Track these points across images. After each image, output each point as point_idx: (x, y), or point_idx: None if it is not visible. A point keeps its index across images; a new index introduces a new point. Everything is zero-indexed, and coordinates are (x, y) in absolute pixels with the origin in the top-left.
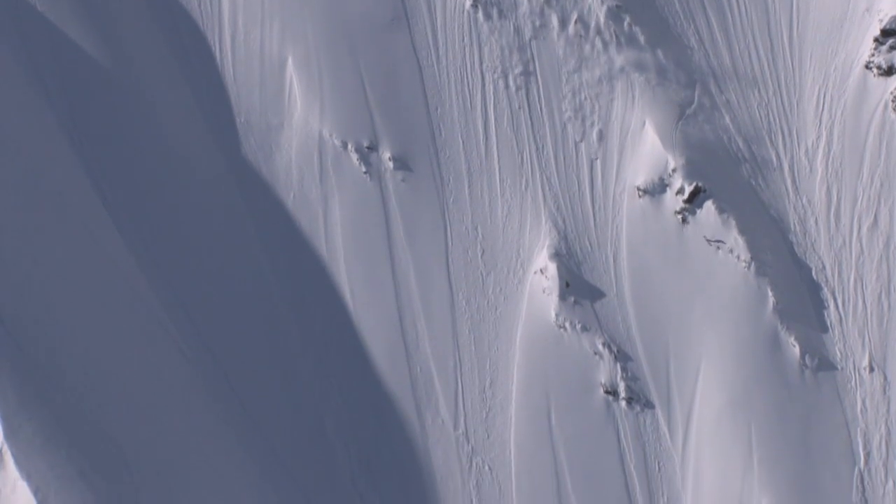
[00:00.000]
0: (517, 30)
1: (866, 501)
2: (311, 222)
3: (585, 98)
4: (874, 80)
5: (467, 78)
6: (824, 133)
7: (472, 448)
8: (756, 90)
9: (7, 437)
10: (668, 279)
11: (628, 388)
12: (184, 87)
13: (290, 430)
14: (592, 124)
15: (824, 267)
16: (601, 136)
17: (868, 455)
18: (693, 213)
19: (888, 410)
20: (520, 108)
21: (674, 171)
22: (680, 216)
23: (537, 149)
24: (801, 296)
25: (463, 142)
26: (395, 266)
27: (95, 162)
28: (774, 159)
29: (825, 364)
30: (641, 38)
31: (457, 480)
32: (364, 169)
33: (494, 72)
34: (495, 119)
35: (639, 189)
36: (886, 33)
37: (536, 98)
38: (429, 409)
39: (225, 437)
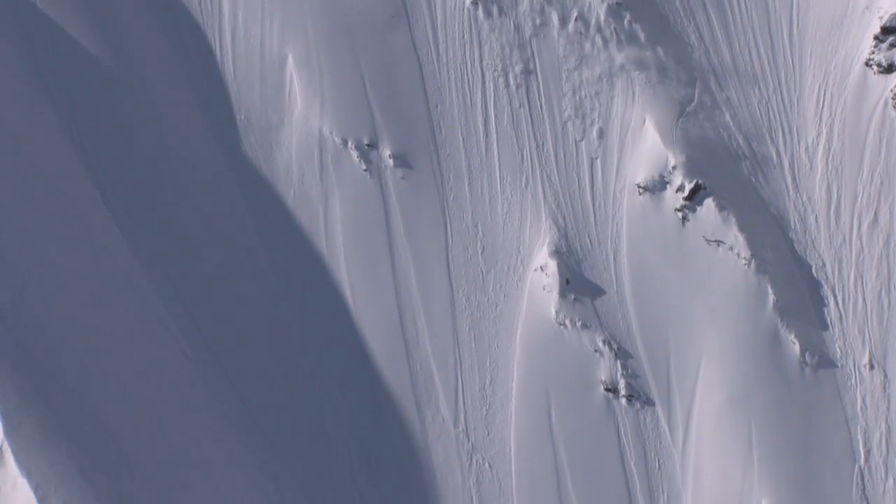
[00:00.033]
0: (517, 27)
1: (866, 499)
2: (311, 219)
3: (585, 96)
4: (874, 77)
5: (467, 75)
6: (824, 130)
7: (473, 445)
8: (756, 88)
9: (7, 434)
10: (668, 277)
11: (628, 385)
12: (184, 85)
13: (289, 427)
14: (593, 122)
15: (824, 264)
16: (601, 134)
17: (868, 452)
18: (693, 210)
19: (888, 408)
20: (520, 106)
21: (674, 168)
22: (680, 214)
23: (537, 146)
24: (801, 293)
25: (463, 139)
26: (395, 263)
27: (95, 159)
28: (775, 157)
29: (825, 361)
30: (642, 36)
31: (457, 478)
32: (364, 166)
33: (495, 69)
34: (495, 116)
35: (639, 186)
36: (886, 31)
37: (537, 96)
38: (429, 407)
39: (225, 434)
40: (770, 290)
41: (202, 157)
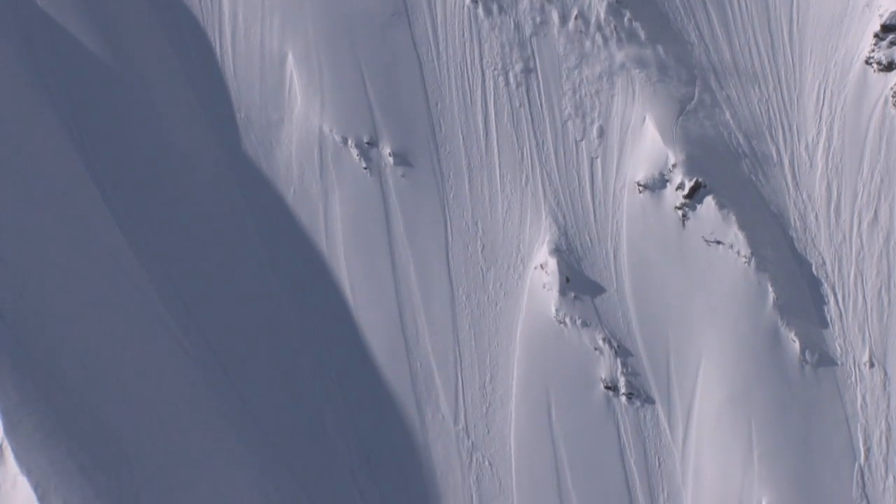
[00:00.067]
0: (517, 26)
1: (866, 497)
2: (311, 218)
3: (586, 94)
4: (874, 75)
5: (467, 73)
6: (824, 129)
7: (473, 443)
8: (756, 86)
9: (7, 432)
10: (668, 275)
11: (628, 383)
12: (184, 83)
13: (289, 426)
14: (593, 121)
15: (824, 262)
16: (601, 133)
17: (868, 450)
18: (693, 208)
19: (888, 406)
20: (520, 105)
21: (674, 166)
22: (680, 212)
23: (537, 144)
24: (801, 291)
25: (463, 137)
26: (395, 261)
27: (96, 157)
28: (775, 155)
29: (825, 360)
30: (642, 34)
31: (457, 476)
32: (364, 164)
33: (495, 68)
34: (495, 115)
35: (639, 185)
36: (886, 29)
37: (537, 94)
38: (429, 405)
39: (225, 433)
40: (770, 289)
41: (202, 156)
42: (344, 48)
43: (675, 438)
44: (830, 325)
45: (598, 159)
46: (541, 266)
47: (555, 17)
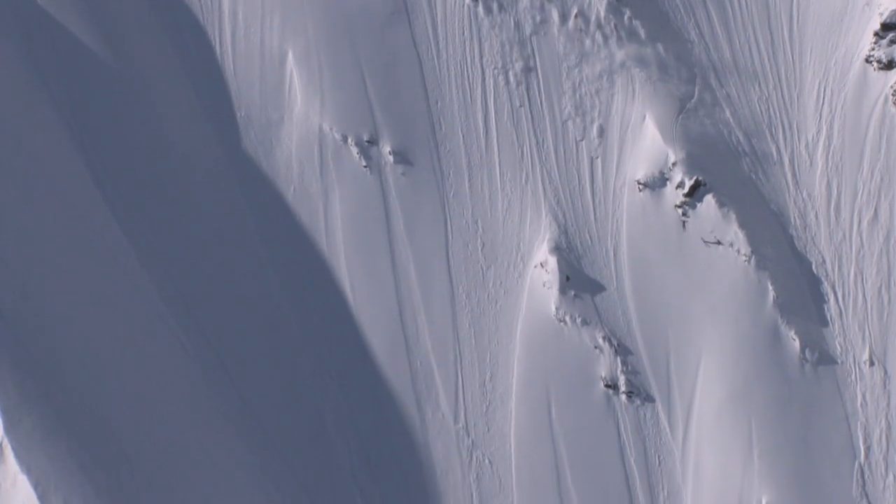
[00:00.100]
0: (517, 24)
1: (866, 495)
2: (311, 216)
3: (586, 93)
4: (874, 74)
5: (467, 72)
6: (824, 127)
7: (473, 442)
8: (756, 84)
9: (7, 430)
10: (668, 273)
11: (628, 381)
12: (184, 82)
13: (290, 424)
14: (593, 120)
15: (824, 261)
16: (601, 132)
17: (868, 449)
18: (693, 206)
19: (888, 404)
20: (521, 105)
21: (674, 164)
22: (680, 210)
23: (537, 143)
24: (801, 290)
25: (463, 136)
26: (395, 260)
27: (96, 157)
28: (775, 153)
29: (825, 358)
30: (642, 33)
31: (457, 474)
32: (364, 163)
33: (495, 67)
34: (495, 113)
35: (639, 183)
36: (887, 27)
37: (537, 93)
38: (429, 403)
39: (225, 431)
40: (770, 287)
41: (202, 155)
42: (344, 47)
43: (675, 437)
44: (830, 324)
45: (598, 158)
46: (541, 264)
47: (555, 15)
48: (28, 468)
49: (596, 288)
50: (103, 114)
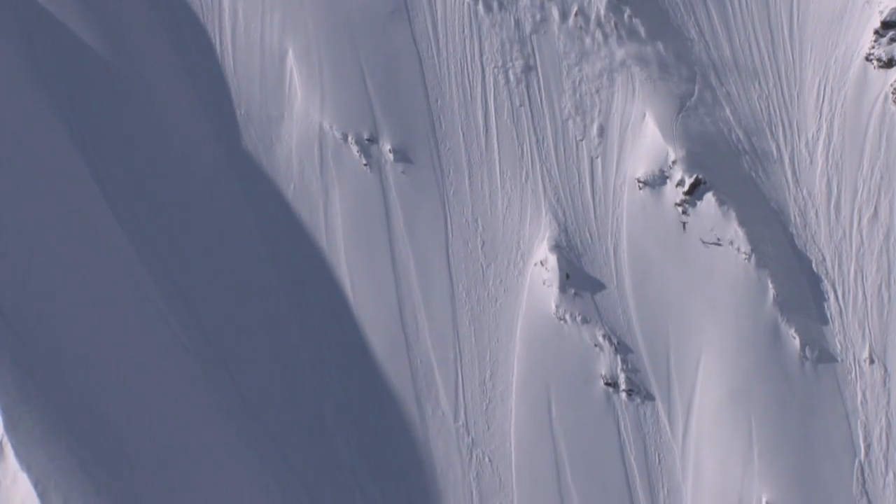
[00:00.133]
0: (518, 23)
1: (866, 493)
2: (311, 214)
3: (586, 92)
4: (874, 72)
5: (468, 70)
6: (825, 125)
7: (473, 440)
8: (756, 82)
9: (7, 428)
10: (668, 271)
11: (628, 379)
12: (184, 79)
13: (289, 422)
14: (593, 119)
15: (824, 259)
16: (601, 131)
17: (868, 447)
18: (693, 205)
19: (888, 402)
20: (521, 103)
21: (674, 163)
22: (680, 208)
23: (537, 141)
24: (801, 287)
25: (463, 134)
26: (395, 258)
27: (96, 154)
28: (775, 151)
29: (825, 356)
30: (642, 31)
31: (457, 472)
32: (364, 161)
33: (495, 65)
34: (495, 111)
35: (639, 181)
36: (887, 25)
37: (537, 91)
38: (429, 401)
39: (225, 429)
40: (770, 285)
41: (202, 152)
42: (344, 44)
43: (675, 435)
44: (830, 322)
45: (598, 156)
46: (541, 262)
47: (555, 14)
48: (28, 466)
49: (596, 286)
50: (103, 112)
